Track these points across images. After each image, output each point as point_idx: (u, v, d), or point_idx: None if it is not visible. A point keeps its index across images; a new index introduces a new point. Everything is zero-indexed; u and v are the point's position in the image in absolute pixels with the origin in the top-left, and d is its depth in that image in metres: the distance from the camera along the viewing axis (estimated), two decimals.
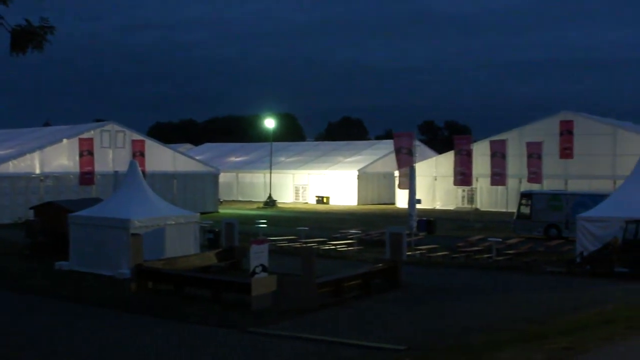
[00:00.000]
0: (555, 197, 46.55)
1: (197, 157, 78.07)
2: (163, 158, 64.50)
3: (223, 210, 67.14)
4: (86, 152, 55.88)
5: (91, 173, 56.03)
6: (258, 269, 23.37)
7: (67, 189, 55.72)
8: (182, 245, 31.71)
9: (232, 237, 34.20)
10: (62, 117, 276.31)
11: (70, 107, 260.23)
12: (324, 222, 56.87)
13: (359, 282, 26.61)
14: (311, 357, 17.36)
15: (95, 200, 37.08)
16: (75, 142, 57.31)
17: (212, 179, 69.32)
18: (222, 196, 77.88)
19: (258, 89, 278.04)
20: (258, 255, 23.52)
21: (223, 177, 77.10)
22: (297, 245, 38.73)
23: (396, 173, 45.50)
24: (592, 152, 66.38)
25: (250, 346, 18.54)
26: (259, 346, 18.51)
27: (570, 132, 66.84)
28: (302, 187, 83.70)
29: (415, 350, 17.73)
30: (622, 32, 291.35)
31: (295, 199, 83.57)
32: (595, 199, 38.91)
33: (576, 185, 62.66)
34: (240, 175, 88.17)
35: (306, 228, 43.44)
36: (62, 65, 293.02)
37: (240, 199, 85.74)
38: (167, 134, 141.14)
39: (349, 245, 39.19)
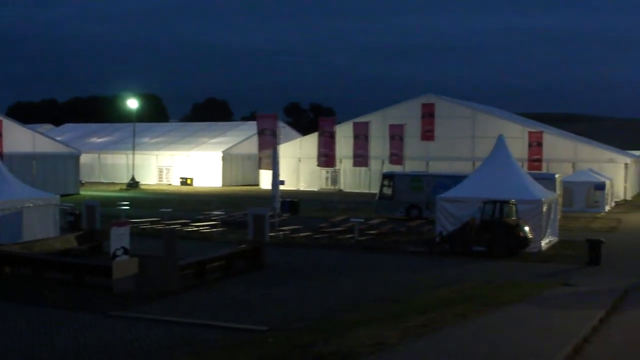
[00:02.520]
0: (416, 179, 47.51)
1: (57, 138, 76.21)
2: (22, 139, 62.40)
3: (84, 192, 65.82)
4: None
5: None
6: (119, 252, 23.07)
7: None
8: (41, 228, 31.00)
9: (93, 220, 33.67)
10: None
11: None
12: (187, 203, 56.56)
13: (222, 263, 26.63)
14: (174, 340, 17.23)
15: None
16: None
17: (73, 160, 67.60)
18: (84, 178, 76.29)
19: (122, 69, 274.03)
20: (119, 237, 23.22)
21: (84, 158, 75.36)
22: (160, 227, 38.31)
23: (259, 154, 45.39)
24: (453, 135, 68.25)
25: (112, 330, 18.26)
26: (120, 330, 18.25)
27: (431, 115, 68.46)
28: (166, 169, 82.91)
29: (277, 330, 17.85)
30: (485, 20, 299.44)
31: (159, 181, 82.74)
32: (456, 180, 39.80)
33: (437, 167, 64.24)
34: (102, 156, 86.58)
35: (169, 210, 43.05)
36: None
37: (102, 180, 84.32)
38: (28, 114, 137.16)
39: (212, 226, 39.02)
